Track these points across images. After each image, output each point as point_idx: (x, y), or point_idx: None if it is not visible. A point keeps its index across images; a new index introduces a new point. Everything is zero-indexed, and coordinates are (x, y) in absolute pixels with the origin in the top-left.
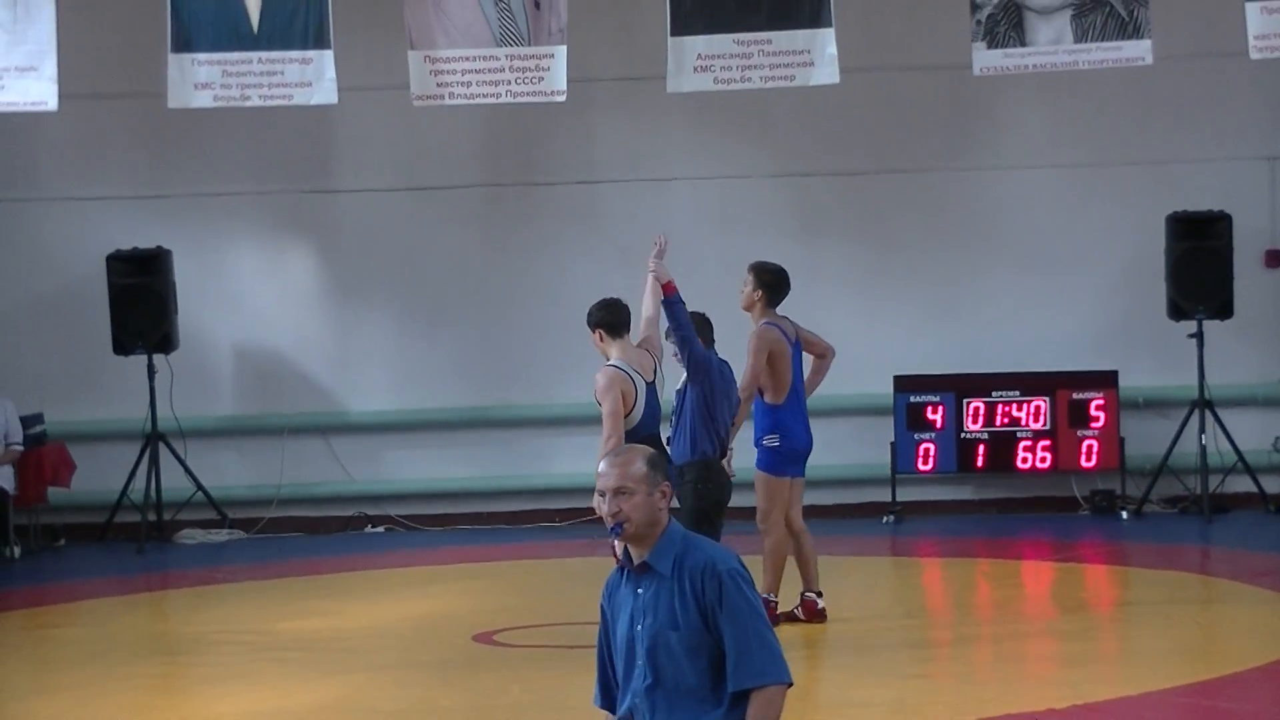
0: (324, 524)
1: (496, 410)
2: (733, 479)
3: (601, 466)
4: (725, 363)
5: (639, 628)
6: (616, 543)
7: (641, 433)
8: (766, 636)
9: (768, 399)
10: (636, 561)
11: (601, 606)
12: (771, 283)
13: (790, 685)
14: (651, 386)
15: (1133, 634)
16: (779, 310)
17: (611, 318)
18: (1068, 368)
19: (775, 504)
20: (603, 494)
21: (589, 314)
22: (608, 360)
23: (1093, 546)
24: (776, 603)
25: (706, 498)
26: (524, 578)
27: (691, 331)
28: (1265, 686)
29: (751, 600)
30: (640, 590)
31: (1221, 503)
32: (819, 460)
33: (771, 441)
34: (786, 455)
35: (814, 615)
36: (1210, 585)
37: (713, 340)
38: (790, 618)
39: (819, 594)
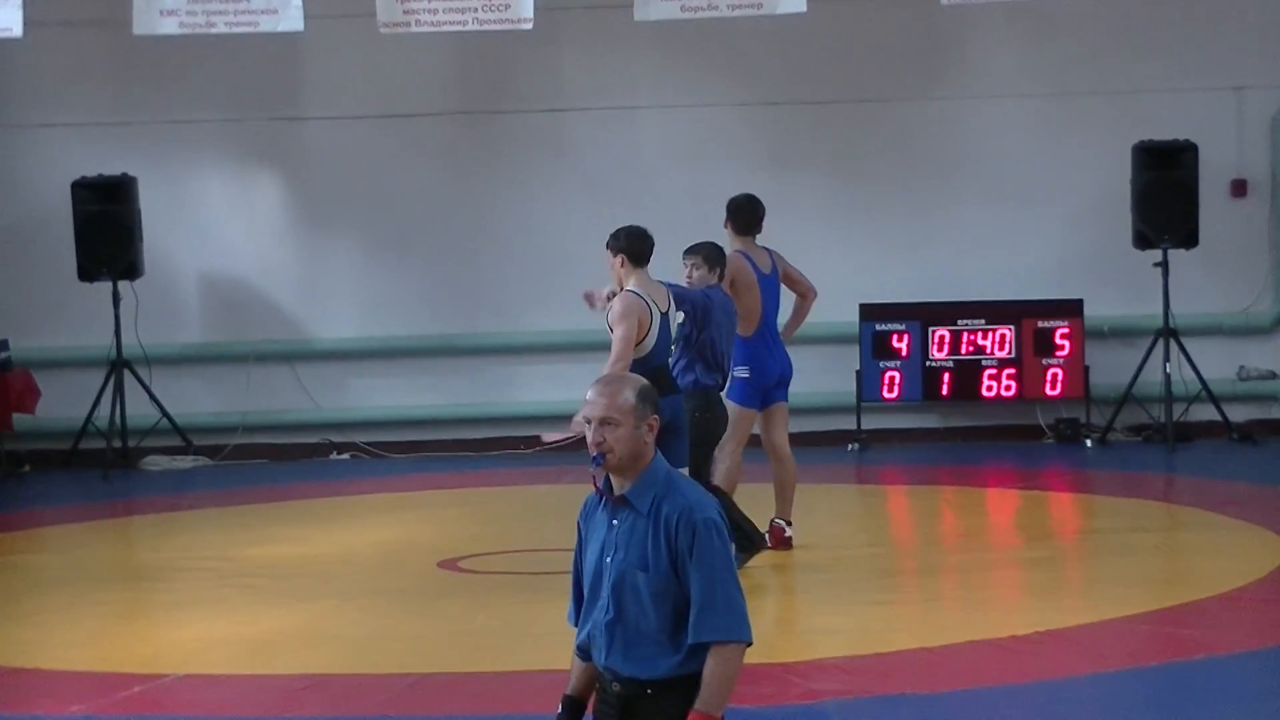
0: (290, 451)
1: (463, 338)
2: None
3: (590, 393)
4: (728, 297)
5: (608, 560)
6: (596, 472)
7: (653, 363)
8: (733, 593)
9: (739, 331)
10: (616, 493)
11: (578, 524)
12: (734, 209)
13: (749, 644)
14: (665, 317)
15: (1097, 562)
16: (760, 242)
17: (638, 246)
18: (1033, 297)
19: (736, 431)
20: (588, 421)
21: (615, 236)
22: (624, 288)
23: (1057, 475)
24: (784, 525)
25: (702, 427)
26: (489, 505)
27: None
28: (1228, 614)
29: (723, 553)
30: (615, 522)
31: (1185, 431)
32: (791, 389)
33: (742, 373)
34: (755, 387)
35: (780, 543)
36: (1174, 513)
37: (723, 273)
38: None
39: (788, 523)
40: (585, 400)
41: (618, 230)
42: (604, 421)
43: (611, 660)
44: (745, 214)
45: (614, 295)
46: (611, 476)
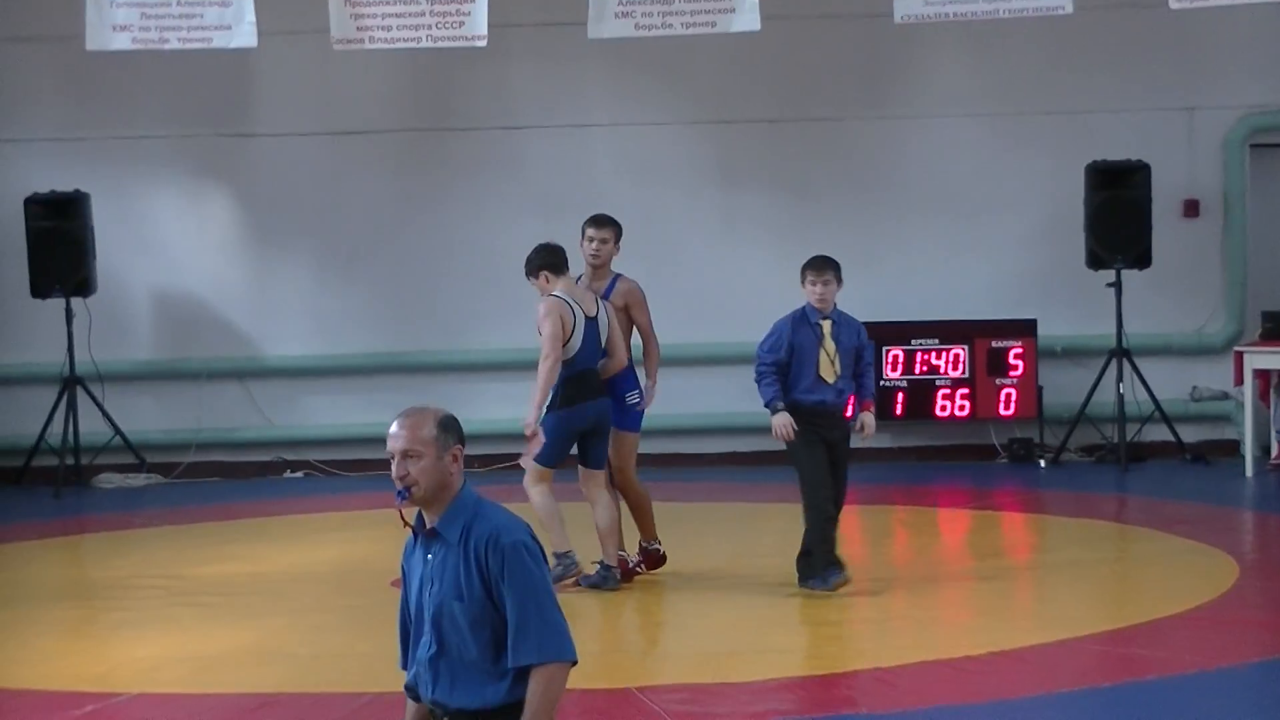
0: (242, 469)
1: (414, 355)
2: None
3: (393, 426)
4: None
5: (427, 594)
6: (402, 506)
7: (579, 366)
8: (550, 613)
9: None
10: (428, 526)
11: (401, 567)
12: (546, 264)
13: (574, 663)
14: (592, 322)
15: (1049, 582)
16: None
17: (553, 259)
18: (986, 316)
19: (633, 458)
20: (391, 455)
21: (528, 262)
22: (552, 294)
23: (1010, 494)
24: (659, 549)
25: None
26: None
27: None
28: (1180, 634)
29: (535, 574)
30: (430, 556)
31: (1138, 451)
32: (739, 408)
33: (633, 399)
34: (641, 413)
35: (629, 572)
36: (1126, 533)
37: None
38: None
39: (657, 546)
40: (389, 434)
41: (529, 256)
42: (406, 454)
43: (439, 694)
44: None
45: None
46: (422, 511)
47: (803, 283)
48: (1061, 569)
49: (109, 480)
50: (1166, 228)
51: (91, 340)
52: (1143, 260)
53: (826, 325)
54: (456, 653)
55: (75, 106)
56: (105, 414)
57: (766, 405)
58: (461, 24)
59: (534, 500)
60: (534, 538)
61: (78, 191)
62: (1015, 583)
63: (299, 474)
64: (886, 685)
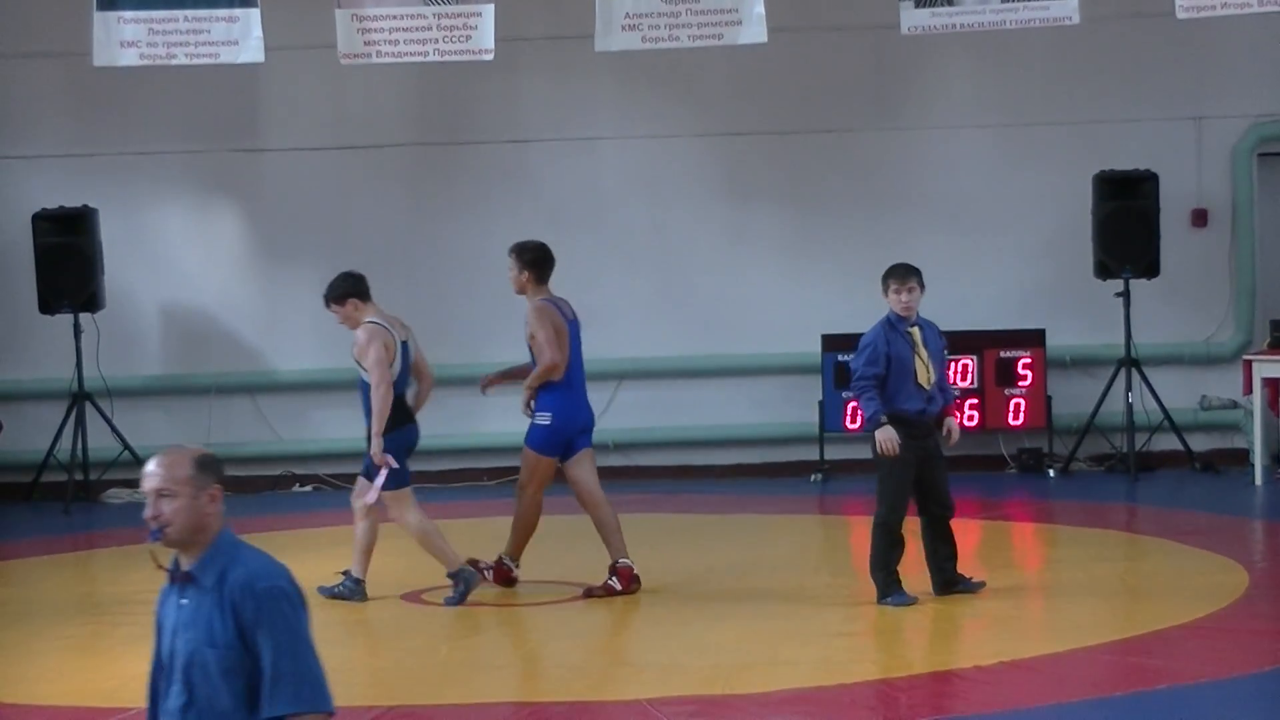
0: (251, 483)
1: None
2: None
3: (148, 465)
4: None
5: (179, 641)
6: (155, 548)
7: (398, 390)
8: (306, 662)
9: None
10: (183, 569)
11: (155, 615)
12: (535, 260)
13: (331, 715)
14: (405, 346)
15: (1059, 592)
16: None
17: (361, 285)
18: (995, 327)
19: (534, 479)
20: (145, 495)
21: (332, 289)
22: (367, 320)
23: (1020, 505)
24: (510, 567)
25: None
26: (451, 537)
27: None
28: (1191, 643)
29: (292, 621)
30: (184, 601)
31: (1147, 461)
32: (748, 419)
33: (544, 419)
34: (559, 434)
35: (630, 582)
36: (1136, 543)
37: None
38: (607, 590)
39: (628, 561)
40: (143, 473)
41: (334, 283)
42: (160, 494)
43: None
44: (548, 263)
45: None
46: (178, 554)
47: (885, 292)
48: (1071, 579)
49: (118, 495)
50: (1175, 237)
51: (100, 356)
52: (1151, 270)
53: (916, 332)
54: (207, 703)
55: (83, 122)
56: (114, 429)
57: (869, 420)
58: (469, 38)
59: (411, 525)
60: (293, 583)
61: (86, 207)
62: (1025, 593)
63: (308, 488)
64: (897, 696)
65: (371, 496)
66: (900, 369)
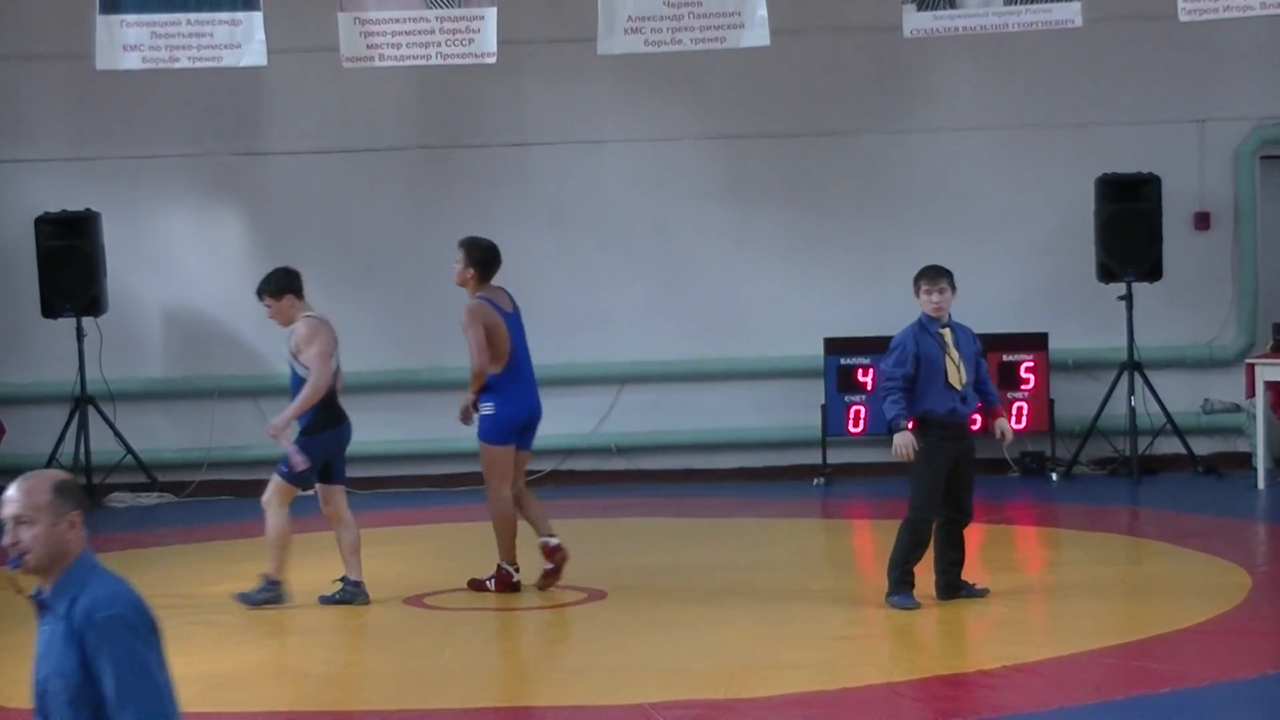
0: (254, 487)
1: (426, 373)
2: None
3: (8, 491)
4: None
5: (39, 671)
6: (12, 574)
7: (334, 386)
8: (146, 691)
9: (491, 369)
10: (42, 597)
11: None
12: (483, 260)
13: None
14: (336, 344)
15: (1062, 595)
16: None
17: (298, 281)
18: (998, 330)
19: (495, 472)
20: (3, 522)
21: (269, 283)
22: (306, 315)
23: (1023, 508)
24: (510, 571)
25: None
26: (455, 541)
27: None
28: (1194, 647)
29: (133, 648)
30: (45, 629)
31: (1150, 464)
32: (751, 423)
33: (487, 409)
34: (505, 423)
35: (553, 556)
36: (1139, 546)
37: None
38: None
39: (555, 543)
40: (3, 499)
41: (271, 276)
42: (19, 520)
43: None
44: (495, 262)
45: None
46: (40, 581)
47: (916, 293)
48: (1074, 582)
49: (121, 499)
50: (1177, 240)
51: (103, 359)
52: (1153, 273)
53: (947, 333)
54: None
55: (86, 126)
56: (117, 433)
57: (889, 422)
58: (471, 41)
59: (271, 521)
60: (138, 609)
61: (89, 210)
62: (1028, 596)
63: (311, 492)
64: (900, 699)
65: (300, 463)
66: (930, 369)
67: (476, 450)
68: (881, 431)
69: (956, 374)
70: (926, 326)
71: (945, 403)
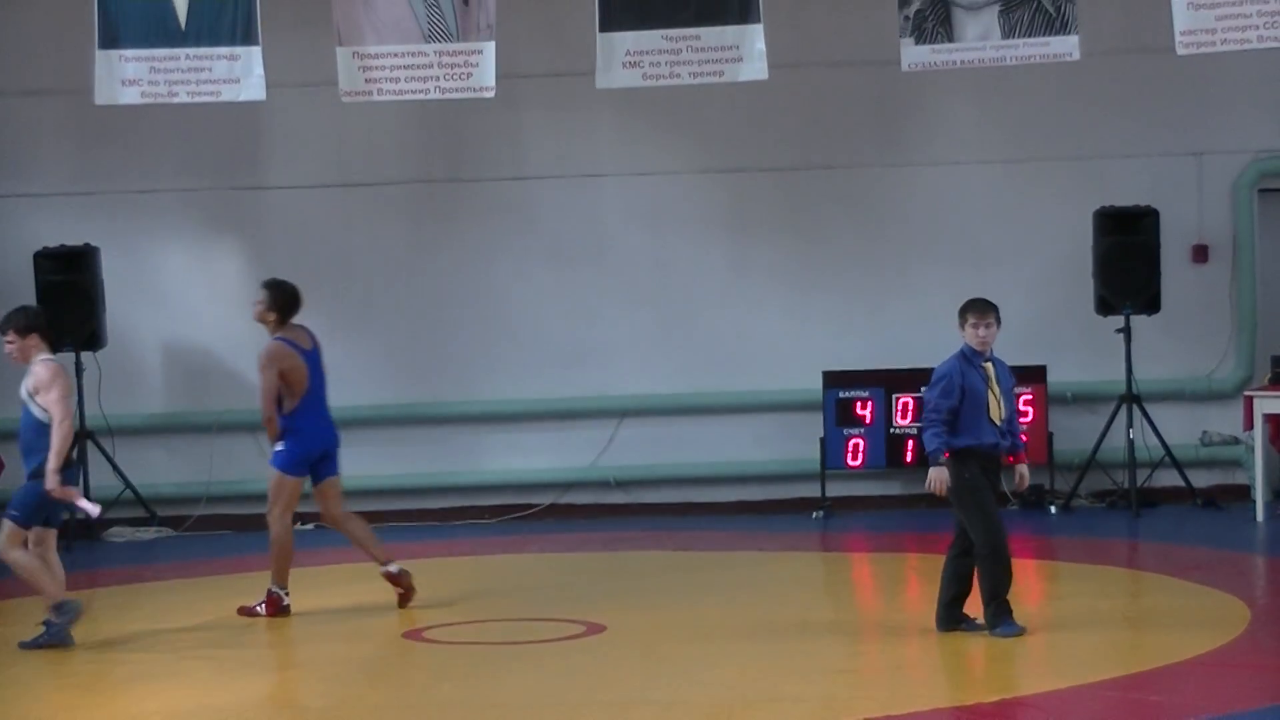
0: (253, 521)
1: (425, 407)
2: None
3: None
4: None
5: None
6: None
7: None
8: None
9: (284, 407)
10: None
11: None
12: (287, 304)
13: None
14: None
15: (1060, 627)
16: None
17: (42, 320)
18: None
19: (281, 499)
20: None
21: (15, 319)
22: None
23: (1021, 541)
24: (281, 594)
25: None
26: (454, 574)
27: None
28: (1191, 679)
29: None
30: None
31: (1149, 497)
32: (750, 455)
33: (280, 445)
34: (298, 456)
35: (398, 582)
36: (1138, 579)
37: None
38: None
39: (395, 570)
40: None
41: (18, 313)
42: None
43: None
44: (297, 304)
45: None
46: None
47: (961, 326)
48: (1073, 615)
49: (120, 534)
50: (1175, 273)
51: (102, 393)
52: (1152, 305)
53: (990, 367)
54: None
55: (85, 160)
56: (116, 467)
57: (930, 454)
58: (469, 75)
59: (15, 561)
60: None
61: (87, 245)
62: (1027, 629)
63: (309, 526)
64: None
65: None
66: (974, 402)
67: (476, 484)
68: (880, 464)
69: (997, 408)
70: (971, 359)
71: (987, 436)
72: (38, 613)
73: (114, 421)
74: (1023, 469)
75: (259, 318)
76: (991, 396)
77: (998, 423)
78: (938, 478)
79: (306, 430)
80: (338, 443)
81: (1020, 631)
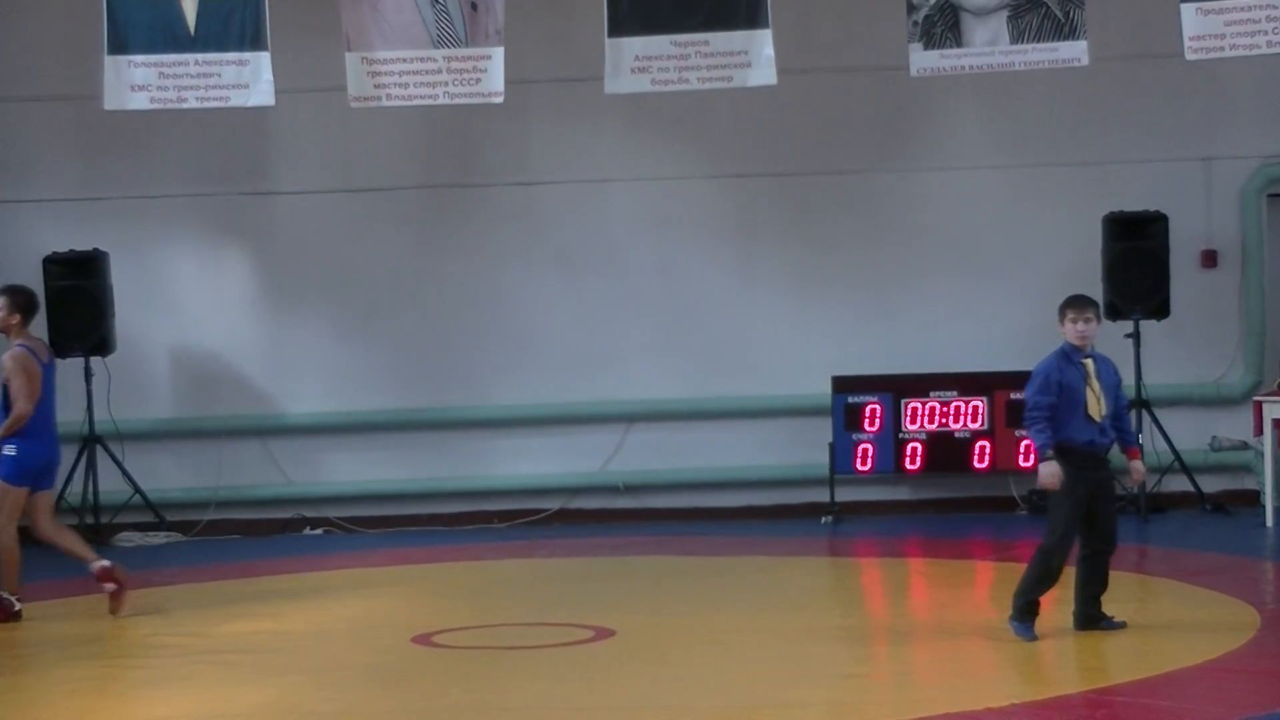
0: (262, 526)
1: (433, 412)
2: None
3: None
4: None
5: None
6: None
7: None
8: None
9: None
10: None
11: None
12: (27, 306)
13: None
14: None
15: (1070, 633)
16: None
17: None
18: (1005, 368)
19: (5, 509)
20: None
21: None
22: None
23: (1031, 546)
24: (13, 602)
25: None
26: (462, 579)
27: None
28: (1201, 685)
29: None
30: None
31: (1158, 502)
32: (758, 461)
33: (10, 451)
34: (26, 466)
35: (109, 576)
36: (1146, 584)
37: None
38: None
39: (105, 565)
40: None
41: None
42: None
43: None
44: (35, 308)
45: None
46: None
47: (1061, 321)
48: None
49: (129, 539)
50: (1184, 278)
51: (110, 399)
52: (1161, 311)
53: (1089, 364)
54: None
55: (93, 166)
56: (125, 472)
57: (1038, 451)
58: (478, 80)
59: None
60: None
61: (96, 250)
62: (1036, 634)
63: (319, 531)
64: None
65: None
66: (1071, 399)
67: (484, 489)
68: (888, 469)
69: (1096, 405)
70: (1070, 356)
71: (1084, 433)
72: (46, 612)
73: (123, 426)
74: (1137, 464)
75: (2, 325)
76: (1090, 393)
77: (1097, 420)
78: (1050, 473)
79: (36, 442)
80: (60, 459)
81: (1032, 639)
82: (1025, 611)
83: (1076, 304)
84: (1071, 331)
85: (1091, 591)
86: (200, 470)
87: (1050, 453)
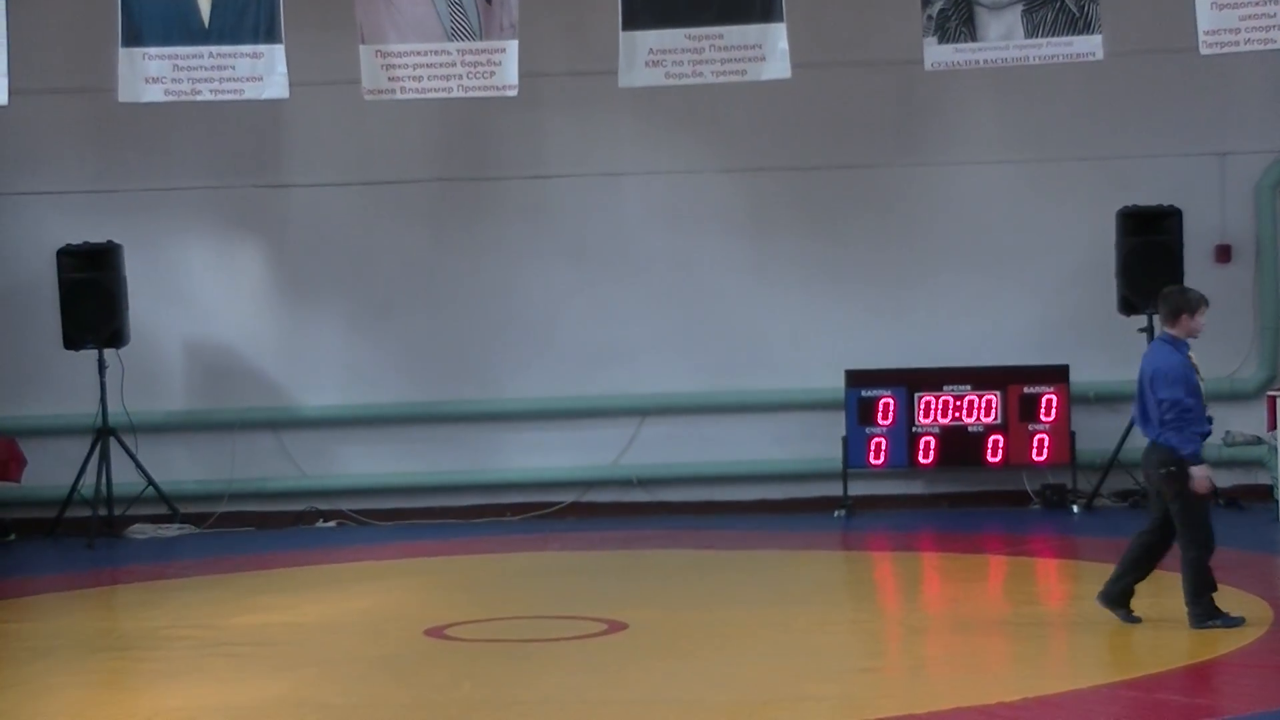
0: (275, 519)
1: (447, 405)
2: None
3: None
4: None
5: None
6: None
7: None
8: None
9: None
10: None
11: None
12: None
13: None
14: None
15: (1083, 627)
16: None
17: None
18: (1019, 362)
19: None
20: None
21: None
22: None
23: (1044, 541)
24: None
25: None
26: (476, 572)
27: None
28: (1213, 679)
29: None
30: None
31: None
32: (772, 455)
33: None
34: None
35: None
36: (1158, 579)
37: None
38: None
39: None
40: None
41: None
42: None
43: None
44: None
45: None
46: None
47: (1191, 315)
48: (1095, 615)
49: (142, 531)
50: (1198, 273)
51: (124, 391)
52: None
53: (1193, 357)
54: None
55: (107, 158)
56: (138, 464)
57: (1192, 455)
58: (492, 74)
59: None
60: None
61: (110, 243)
62: (1049, 628)
63: (332, 524)
64: None
65: None
66: (1197, 393)
67: (498, 482)
68: (902, 463)
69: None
70: (1182, 350)
71: (1208, 425)
72: (58, 605)
73: (136, 419)
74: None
75: None
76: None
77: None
78: (1203, 477)
79: None
80: None
81: (1240, 621)
82: (1208, 613)
83: (1204, 299)
84: (1197, 325)
85: (1134, 577)
86: (214, 463)
87: (1201, 456)
